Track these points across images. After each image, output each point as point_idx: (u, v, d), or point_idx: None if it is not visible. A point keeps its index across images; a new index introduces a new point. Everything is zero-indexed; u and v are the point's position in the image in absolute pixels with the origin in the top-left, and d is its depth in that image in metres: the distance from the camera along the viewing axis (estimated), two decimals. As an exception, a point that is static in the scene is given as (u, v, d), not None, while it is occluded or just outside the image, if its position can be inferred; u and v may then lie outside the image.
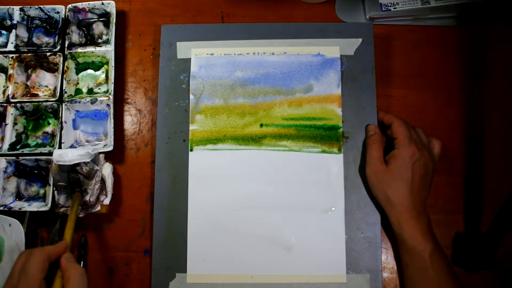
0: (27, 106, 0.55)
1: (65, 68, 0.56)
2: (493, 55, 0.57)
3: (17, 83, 0.56)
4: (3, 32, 0.58)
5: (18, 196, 0.54)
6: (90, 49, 0.56)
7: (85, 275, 0.41)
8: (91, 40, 0.58)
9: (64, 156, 0.49)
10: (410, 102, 0.56)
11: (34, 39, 0.58)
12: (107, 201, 0.52)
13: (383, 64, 0.57)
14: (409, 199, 0.47)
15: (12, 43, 0.56)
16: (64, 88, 0.55)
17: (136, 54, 0.59)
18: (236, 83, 0.55)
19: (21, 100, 0.55)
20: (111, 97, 0.54)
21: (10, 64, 0.56)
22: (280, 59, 0.55)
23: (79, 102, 0.54)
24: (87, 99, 0.54)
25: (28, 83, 0.57)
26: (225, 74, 0.55)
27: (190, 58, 0.56)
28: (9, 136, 0.54)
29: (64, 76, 0.55)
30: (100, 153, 0.53)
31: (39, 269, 0.40)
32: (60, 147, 0.53)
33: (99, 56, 0.56)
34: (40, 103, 0.55)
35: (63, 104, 0.54)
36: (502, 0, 0.58)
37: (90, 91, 0.57)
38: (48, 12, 0.57)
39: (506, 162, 0.55)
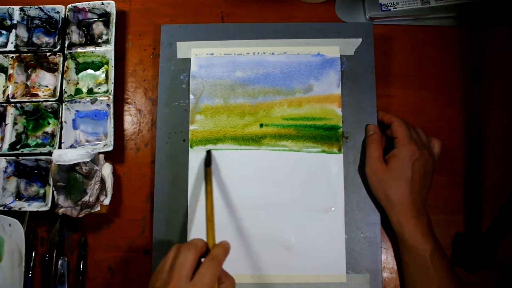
0: (27, 106, 0.55)
1: (65, 68, 0.56)
2: (493, 55, 0.57)
3: (17, 83, 0.56)
4: (3, 32, 0.58)
5: (18, 196, 0.54)
6: (90, 49, 0.56)
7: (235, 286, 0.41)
8: (91, 40, 0.58)
9: (64, 156, 0.49)
10: (410, 102, 0.56)
11: (34, 39, 0.58)
12: (107, 201, 0.52)
13: (383, 64, 0.57)
14: (409, 199, 0.47)
15: (12, 43, 0.56)
16: (64, 88, 0.55)
17: (136, 54, 0.59)
18: (236, 83, 0.55)
19: (21, 100, 0.55)
20: (111, 97, 0.54)
21: (10, 64, 0.56)
22: (280, 59, 0.55)
23: (79, 102, 0.54)
24: (87, 99, 0.54)
25: (28, 83, 0.57)
26: (225, 74, 0.55)
27: (190, 58, 0.56)
28: (9, 136, 0.54)
29: (64, 76, 0.55)
30: (100, 153, 0.53)
31: (190, 266, 0.38)
32: (60, 147, 0.53)
33: (99, 56, 0.56)
34: (40, 103, 0.55)
35: (63, 104, 0.54)
36: (502, 0, 0.58)
37: (90, 91, 0.57)
38: (48, 12, 0.57)
39: (506, 162, 0.55)
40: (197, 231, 0.52)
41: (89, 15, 0.58)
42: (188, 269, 0.38)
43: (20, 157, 0.53)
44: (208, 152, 0.53)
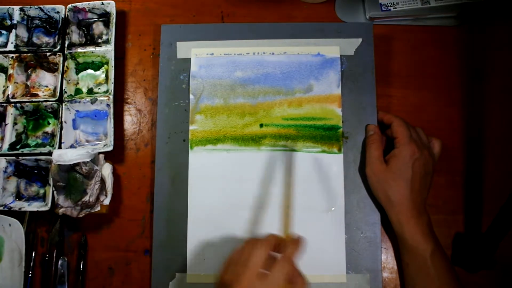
0: (27, 106, 0.55)
1: (65, 68, 0.56)
2: (493, 55, 0.57)
3: (17, 83, 0.56)
4: (3, 32, 0.58)
5: (18, 196, 0.54)
6: (90, 49, 0.56)
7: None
8: (91, 40, 0.58)
9: (64, 156, 0.49)
10: (410, 102, 0.56)
11: (34, 39, 0.58)
12: (107, 201, 0.52)
13: (383, 64, 0.57)
14: (409, 199, 0.47)
15: (12, 43, 0.56)
16: (64, 88, 0.55)
17: (136, 54, 0.59)
18: (236, 83, 0.55)
19: (21, 100, 0.55)
20: (111, 97, 0.54)
21: (10, 64, 0.56)
22: (280, 59, 0.55)
23: (79, 102, 0.54)
24: (87, 99, 0.54)
25: (28, 83, 0.57)
26: (225, 74, 0.55)
27: (190, 58, 0.56)
28: (9, 136, 0.54)
29: (64, 76, 0.55)
30: (100, 153, 0.53)
31: (262, 263, 0.38)
32: (60, 147, 0.53)
33: (99, 56, 0.56)
34: (40, 103, 0.55)
35: (63, 104, 0.54)
36: (502, 0, 0.58)
37: (90, 91, 0.57)
38: (48, 12, 0.57)
39: (506, 162, 0.55)
40: (197, 231, 0.52)
41: (89, 15, 0.58)
42: (261, 267, 0.38)
43: (20, 157, 0.53)
44: None
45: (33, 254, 0.53)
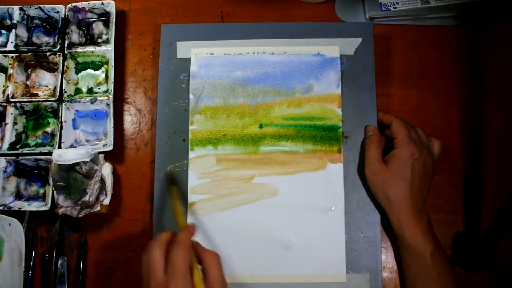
0: (27, 105, 0.55)
1: (65, 67, 0.56)
2: (493, 55, 0.57)
3: (17, 82, 0.56)
4: (3, 31, 0.58)
5: (18, 195, 0.54)
6: (90, 48, 0.56)
7: (220, 259, 0.40)
8: (91, 39, 0.58)
9: (64, 155, 0.49)
10: (410, 102, 0.56)
11: (34, 39, 0.58)
12: (107, 201, 0.52)
13: (383, 64, 0.57)
14: (409, 199, 0.47)
15: (12, 42, 0.56)
16: (64, 87, 0.55)
17: (136, 54, 0.59)
18: (236, 82, 0.55)
19: (21, 99, 0.55)
20: (111, 96, 0.54)
21: (10, 64, 0.56)
22: (280, 59, 0.55)
23: (79, 101, 0.54)
24: (87, 99, 0.54)
25: (28, 83, 0.57)
26: (224, 73, 0.55)
27: (190, 58, 0.56)
28: (9, 135, 0.54)
29: (64, 76, 0.55)
30: (99, 152, 0.53)
31: (159, 260, 0.39)
32: (60, 147, 0.53)
33: (99, 55, 0.56)
34: (40, 102, 0.55)
35: (63, 104, 0.54)
36: (502, 0, 0.58)
37: (90, 91, 0.57)
38: (48, 11, 0.57)
39: (506, 162, 0.55)
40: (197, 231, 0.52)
41: (89, 14, 0.58)
42: (159, 264, 0.39)
43: (20, 157, 0.53)
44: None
45: (33, 254, 0.53)
